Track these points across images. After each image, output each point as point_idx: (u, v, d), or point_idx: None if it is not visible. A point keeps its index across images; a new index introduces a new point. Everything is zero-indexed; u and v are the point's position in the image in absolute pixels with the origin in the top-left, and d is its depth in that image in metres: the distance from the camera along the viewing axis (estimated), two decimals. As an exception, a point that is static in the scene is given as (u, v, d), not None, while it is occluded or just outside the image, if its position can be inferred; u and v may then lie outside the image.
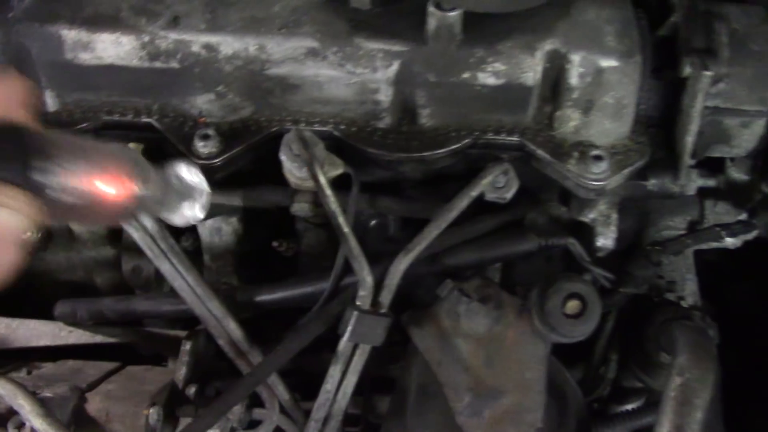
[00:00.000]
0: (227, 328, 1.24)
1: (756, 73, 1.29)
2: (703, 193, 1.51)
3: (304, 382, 1.26)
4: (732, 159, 1.47)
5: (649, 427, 1.31)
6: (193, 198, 1.03)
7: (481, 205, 1.30)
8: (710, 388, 1.08)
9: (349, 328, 1.14)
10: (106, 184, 0.81)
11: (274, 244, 1.43)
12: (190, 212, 1.04)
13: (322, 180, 1.13)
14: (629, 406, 1.41)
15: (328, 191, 1.13)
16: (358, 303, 1.16)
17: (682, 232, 1.54)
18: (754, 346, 1.86)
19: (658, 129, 1.35)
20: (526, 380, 1.17)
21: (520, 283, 1.37)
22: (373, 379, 1.34)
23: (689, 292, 1.48)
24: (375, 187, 1.33)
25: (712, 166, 1.50)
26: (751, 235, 1.50)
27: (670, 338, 1.19)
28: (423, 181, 1.34)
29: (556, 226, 1.37)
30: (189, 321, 1.33)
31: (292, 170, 1.14)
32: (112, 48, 1.21)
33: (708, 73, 1.19)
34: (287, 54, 1.21)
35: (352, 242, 1.15)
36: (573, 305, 1.15)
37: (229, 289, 1.30)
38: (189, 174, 1.03)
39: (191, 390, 1.25)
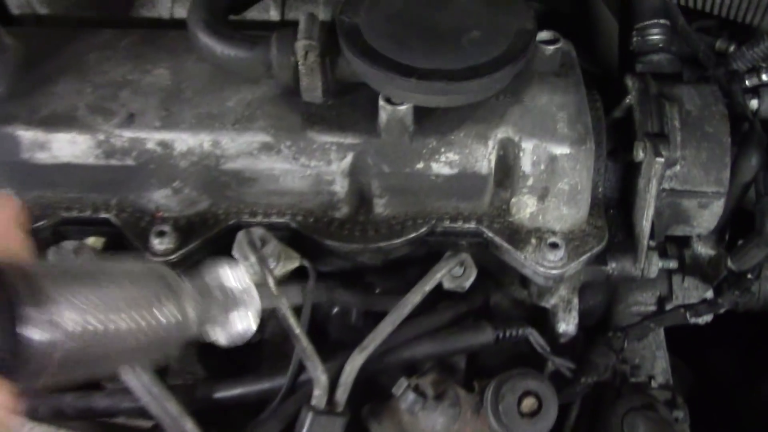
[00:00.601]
0: (184, 428, 1.22)
1: (710, 155, 1.30)
2: (671, 268, 1.50)
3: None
4: (698, 235, 1.47)
5: None
6: (241, 307, 0.89)
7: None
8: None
9: (304, 430, 1.13)
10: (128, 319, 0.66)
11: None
12: (241, 325, 0.90)
13: (271, 283, 1.12)
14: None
15: (276, 292, 1.13)
16: (313, 403, 1.14)
17: (652, 308, 1.53)
18: (735, 410, 1.84)
19: (618, 211, 1.35)
20: (486, 482, 1.15)
21: (487, 369, 1.36)
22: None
23: (659, 370, 1.46)
24: (334, 276, 1.32)
25: (678, 241, 1.50)
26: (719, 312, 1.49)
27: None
28: (384, 268, 1.33)
29: (518, 311, 1.36)
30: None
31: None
32: (68, 147, 1.21)
33: (660, 159, 1.19)
34: (241, 149, 1.21)
35: (304, 342, 1.14)
36: (529, 403, 1.14)
37: (187, 386, 1.29)
38: (234, 279, 0.89)
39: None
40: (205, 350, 1.40)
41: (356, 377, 1.19)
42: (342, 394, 1.16)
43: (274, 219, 1.26)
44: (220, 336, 0.90)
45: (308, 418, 1.12)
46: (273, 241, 1.15)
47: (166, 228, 1.21)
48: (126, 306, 0.66)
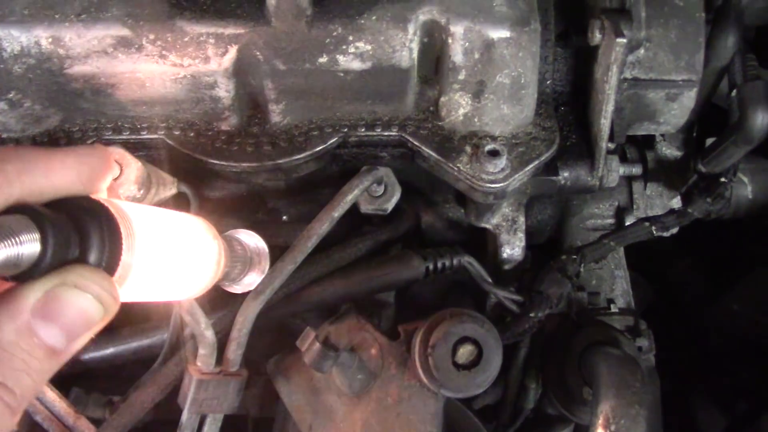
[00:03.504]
0: (45, 400, 0.99)
1: (681, 34, 1.07)
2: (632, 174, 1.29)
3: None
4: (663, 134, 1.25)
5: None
6: (255, 264, 0.93)
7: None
8: (642, 436, 0.87)
9: (189, 398, 0.90)
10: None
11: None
12: (251, 279, 0.93)
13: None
14: (556, 435, 1.20)
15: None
16: (198, 364, 0.91)
17: (610, 221, 1.32)
18: (701, 325, 1.70)
19: (570, 108, 1.12)
20: (415, 446, 0.94)
21: (422, 305, 1.14)
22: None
23: (620, 292, 1.27)
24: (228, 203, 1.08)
25: (640, 142, 1.29)
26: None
27: (593, 373, 0.97)
28: (289, 191, 1.09)
29: (454, 234, 1.13)
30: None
31: None
32: None
33: (621, 39, 0.95)
34: (91, 46, 0.95)
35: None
36: (465, 352, 0.92)
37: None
38: (250, 239, 0.93)
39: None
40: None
41: (257, 328, 0.97)
42: (235, 351, 0.93)
43: (145, 135, 1.01)
44: (235, 288, 0.93)
45: (192, 383, 0.89)
46: (134, 163, 0.90)
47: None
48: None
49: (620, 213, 1.31)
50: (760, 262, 1.58)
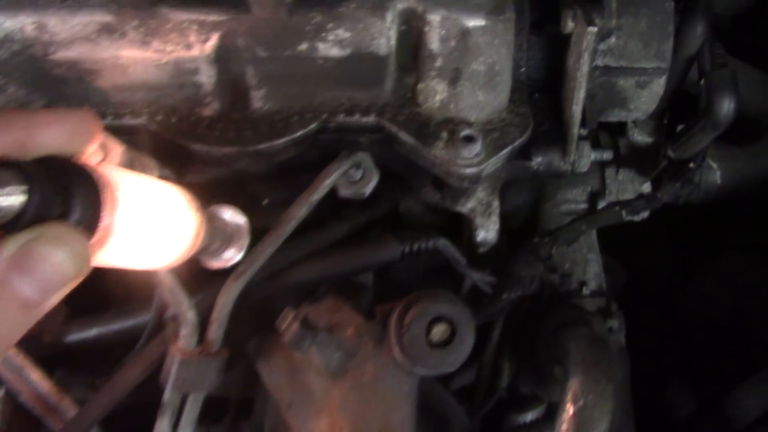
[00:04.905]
0: (28, 380, 1.01)
1: (651, 23, 1.10)
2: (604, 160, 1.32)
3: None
4: (635, 121, 1.28)
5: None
6: (235, 240, 0.95)
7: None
8: (608, 415, 0.91)
9: (171, 377, 0.92)
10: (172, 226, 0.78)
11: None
12: (230, 255, 0.95)
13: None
14: (530, 416, 1.24)
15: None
16: (180, 344, 0.94)
17: (583, 205, 1.36)
18: (672, 309, 1.74)
19: (544, 95, 1.15)
20: (391, 424, 0.97)
21: (401, 287, 1.17)
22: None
23: (592, 274, 1.30)
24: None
25: (612, 128, 1.32)
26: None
27: (562, 351, 1.01)
28: (270, 175, 1.11)
29: (432, 218, 1.16)
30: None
31: None
32: None
33: (593, 28, 0.98)
34: (75, 33, 0.96)
35: (161, 273, 0.93)
36: (439, 331, 0.95)
37: (32, 334, 1.07)
38: (231, 216, 0.96)
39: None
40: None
41: (239, 309, 0.99)
42: (216, 331, 0.96)
43: (128, 120, 1.02)
44: (213, 263, 0.95)
45: (175, 363, 0.92)
46: (117, 147, 0.91)
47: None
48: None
49: (593, 198, 1.35)
50: (731, 246, 1.62)
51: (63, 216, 0.59)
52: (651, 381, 1.69)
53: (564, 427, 0.90)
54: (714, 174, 1.38)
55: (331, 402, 0.98)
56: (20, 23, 0.95)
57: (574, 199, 1.35)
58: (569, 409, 0.91)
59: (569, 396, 0.92)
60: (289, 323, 0.93)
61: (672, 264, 1.77)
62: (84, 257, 0.60)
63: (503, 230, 1.21)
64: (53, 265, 0.58)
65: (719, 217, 1.64)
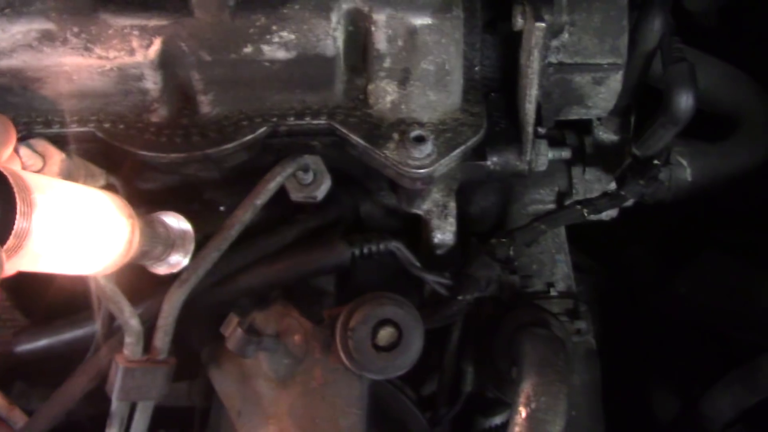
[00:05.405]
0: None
1: (604, 18, 1.09)
2: (570, 159, 1.30)
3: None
4: (599, 118, 1.27)
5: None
6: (179, 246, 0.96)
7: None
8: (562, 416, 0.89)
9: (116, 386, 0.91)
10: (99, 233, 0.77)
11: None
12: (175, 260, 0.96)
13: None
14: (497, 419, 1.22)
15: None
16: (125, 352, 0.92)
17: (551, 206, 1.34)
18: (654, 309, 1.71)
19: (501, 94, 1.13)
20: (341, 428, 0.95)
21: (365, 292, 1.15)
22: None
23: (560, 276, 1.28)
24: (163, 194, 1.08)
25: (577, 127, 1.30)
26: (625, 204, 1.30)
27: (518, 353, 0.99)
28: (225, 182, 1.10)
29: (393, 221, 1.15)
30: None
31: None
32: None
33: (541, 24, 0.97)
34: (16, 41, 0.95)
35: (101, 281, 0.91)
36: (386, 335, 0.93)
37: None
38: (176, 222, 0.96)
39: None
40: (23, 295, 1.16)
41: (197, 317, 0.98)
42: (162, 339, 0.94)
43: (76, 128, 1.01)
44: (158, 268, 0.96)
45: (119, 372, 0.90)
46: (57, 155, 0.90)
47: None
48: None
49: (560, 198, 1.33)
50: (712, 245, 1.60)
51: None
52: (634, 384, 1.67)
53: (516, 429, 0.88)
54: (684, 171, 1.36)
55: (279, 409, 0.97)
56: (-40, 32, 0.94)
57: (542, 200, 1.34)
58: (521, 412, 0.89)
59: (522, 398, 0.90)
60: (233, 329, 0.91)
61: (652, 265, 1.74)
62: None
63: (472, 233, 1.19)
64: None
65: (701, 217, 1.62)
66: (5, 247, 0.62)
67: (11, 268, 0.66)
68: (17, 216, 0.62)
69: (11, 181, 0.62)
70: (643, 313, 1.71)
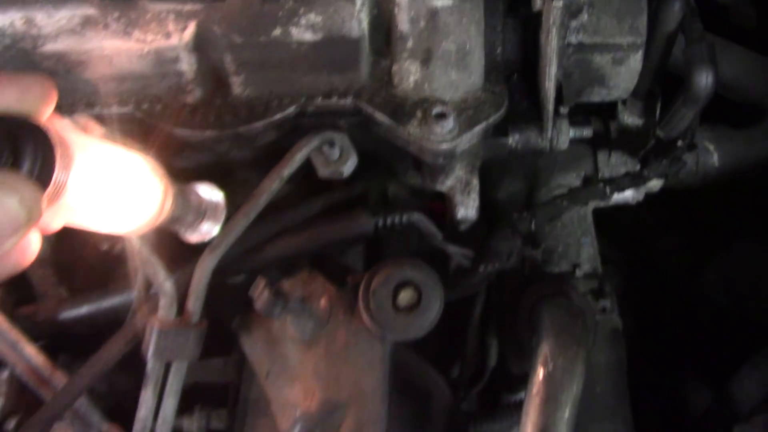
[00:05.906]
0: (23, 355, 1.06)
1: (623, -3, 1.10)
2: (596, 143, 1.33)
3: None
4: (624, 102, 1.29)
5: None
6: (211, 215, 0.99)
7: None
8: (579, 379, 0.91)
9: (151, 347, 0.96)
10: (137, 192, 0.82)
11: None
12: (207, 228, 0.99)
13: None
14: (522, 395, 1.23)
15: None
16: (160, 315, 0.97)
17: (577, 190, 1.35)
18: (683, 298, 1.72)
19: (523, 75, 1.16)
20: (363, 389, 0.99)
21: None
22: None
23: (586, 257, 1.30)
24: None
25: (603, 111, 1.32)
26: (653, 187, 1.32)
27: (539, 322, 1.01)
28: (257, 161, 1.15)
29: (418, 200, 1.18)
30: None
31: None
32: None
33: (558, 2, 1.00)
34: (61, 26, 1.01)
35: (141, 247, 0.97)
36: (406, 296, 0.97)
37: (29, 312, 1.11)
38: (209, 193, 0.99)
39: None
40: (65, 270, 1.23)
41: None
42: (194, 303, 0.99)
43: (116, 109, 1.06)
44: (190, 236, 0.99)
45: (153, 333, 0.95)
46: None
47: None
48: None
49: (587, 182, 1.35)
50: (742, 233, 1.60)
51: (13, 166, 0.61)
52: (668, 376, 1.67)
53: (534, 389, 0.90)
54: (711, 156, 1.37)
55: (304, 369, 1.01)
56: (10, 19, 1.01)
57: (569, 184, 1.35)
58: (539, 372, 0.91)
59: (540, 359, 0.93)
60: (260, 291, 0.96)
61: (685, 254, 1.75)
62: (35, 205, 0.61)
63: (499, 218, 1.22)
64: (3, 211, 0.59)
65: (732, 206, 1.62)
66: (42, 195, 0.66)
67: (49, 220, 0.70)
68: (55, 165, 0.65)
69: (49, 133, 0.66)
70: (674, 303, 1.72)
